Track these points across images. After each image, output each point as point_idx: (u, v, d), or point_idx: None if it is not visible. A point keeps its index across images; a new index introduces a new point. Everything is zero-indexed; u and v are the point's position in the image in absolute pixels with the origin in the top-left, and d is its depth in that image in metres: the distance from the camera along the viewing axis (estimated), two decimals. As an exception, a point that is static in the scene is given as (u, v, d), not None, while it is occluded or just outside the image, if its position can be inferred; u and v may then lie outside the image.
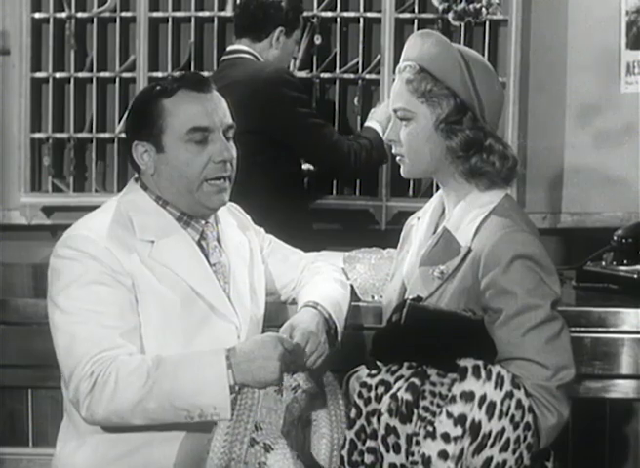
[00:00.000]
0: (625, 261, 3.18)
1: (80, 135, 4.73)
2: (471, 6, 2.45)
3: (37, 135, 4.73)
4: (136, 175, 2.51)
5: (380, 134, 3.93)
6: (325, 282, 2.64)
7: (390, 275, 2.56)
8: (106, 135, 4.72)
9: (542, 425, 2.20)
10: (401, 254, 2.52)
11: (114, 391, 2.27)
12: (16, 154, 4.73)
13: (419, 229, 2.45)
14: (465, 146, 2.31)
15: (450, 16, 2.44)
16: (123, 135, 4.61)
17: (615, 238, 3.23)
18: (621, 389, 2.84)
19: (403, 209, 4.51)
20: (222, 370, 2.27)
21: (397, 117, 2.36)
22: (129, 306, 2.35)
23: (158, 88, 2.43)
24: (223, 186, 2.44)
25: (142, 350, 2.36)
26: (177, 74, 2.48)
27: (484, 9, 2.48)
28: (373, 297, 2.86)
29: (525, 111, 4.65)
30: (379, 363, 2.25)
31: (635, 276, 3.10)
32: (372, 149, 3.92)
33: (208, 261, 2.46)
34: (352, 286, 2.78)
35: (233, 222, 2.60)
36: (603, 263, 3.21)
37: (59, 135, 4.73)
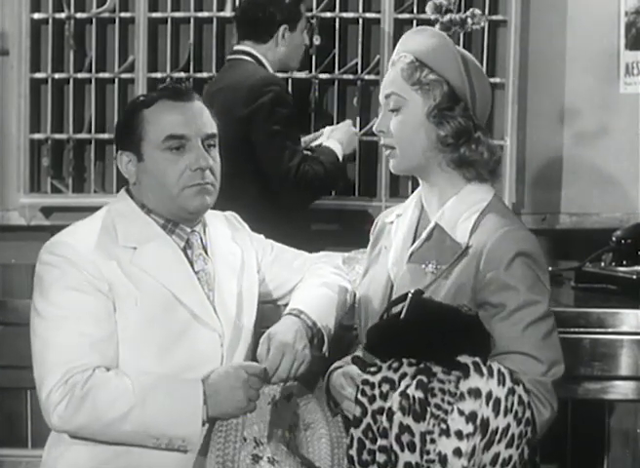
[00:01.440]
0: (624, 262, 3.19)
1: (79, 135, 4.73)
2: (457, 16, 2.49)
3: (36, 135, 4.73)
4: (126, 187, 2.54)
5: (339, 155, 3.92)
6: (316, 287, 2.61)
7: (363, 270, 2.56)
8: (105, 135, 4.72)
9: (537, 420, 2.22)
10: (375, 251, 2.52)
11: (93, 409, 2.29)
12: (15, 155, 4.73)
13: (399, 226, 2.46)
14: (456, 134, 2.34)
15: (437, 27, 2.48)
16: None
17: (613, 239, 3.23)
18: (620, 390, 2.84)
19: (402, 209, 4.50)
20: (198, 406, 2.31)
21: (388, 106, 2.37)
22: (106, 314, 2.36)
23: (141, 99, 2.48)
24: (204, 189, 2.44)
25: (118, 358, 2.37)
26: (161, 85, 2.51)
27: (469, 19, 2.52)
28: (371, 298, 2.86)
29: (524, 112, 4.65)
30: (376, 359, 2.24)
31: (634, 277, 3.10)
32: (324, 177, 3.85)
33: (192, 269, 2.47)
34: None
35: (227, 233, 2.60)
36: (602, 264, 3.22)
37: (58, 135, 4.73)
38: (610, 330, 2.82)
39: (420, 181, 2.44)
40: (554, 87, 4.67)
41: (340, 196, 4.67)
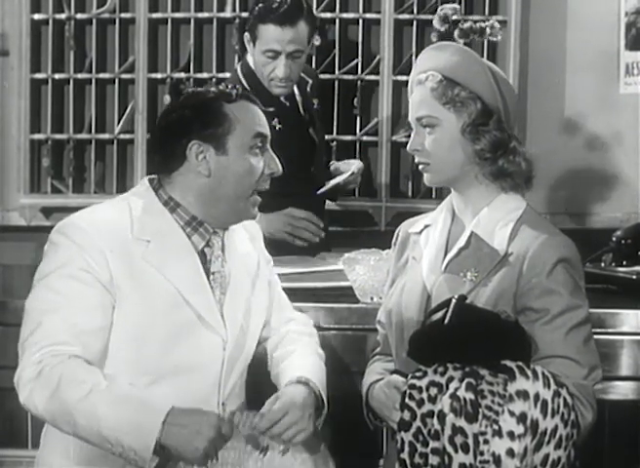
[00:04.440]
0: (624, 262, 3.18)
1: (79, 136, 4.73)
2: (478, 24, 2.50)
3: (36, 136, 4.73)
4: (151, 176, 2.49)
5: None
6: (312, 356, 2.57)
7: (389, 281, 2.56)
8: (106, 136, 4.72)
9: (581, 423, 2.27)
10: (401, 262, 2.52)
11: (54, 391, 2.26)
12: (15, 155, 4.73)
13: (430, 236, 2.46)
14: (493, 148, 2.36)
15: (456, 33, 2.49)
16: (122, 136, 4.66)
17: (614, 239, 3.23)
18: (621, 391, 2.84)
19: (402, 210, 4.50)
20: (157, 422, 2.22)
21: (421, 125, 2.38)
22: (101, 307, 2.35)
23: (217, 92, 2.45)
24: (258, 201, 2.48)
25: (106, 352, 2.36)
26: (230, 85, 2.49)
27: (488, 29, 2.53)
28: (372, 299, 2.86)
29: (524, 112, 4.65)
30: (420, 365, 2.27)
31: (634, 277, 3.10)
32: None
33: (208, 269, 2.45)
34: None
35: (245, 235, 2.58)
36: (602, 264, 3.22)
37: (58, 136, 4.73)
38: (610, 330, 2.82)
39: (453, 191, 2.45)
40: (554, 87, 4.66)
41: (341, 197, 4.66)
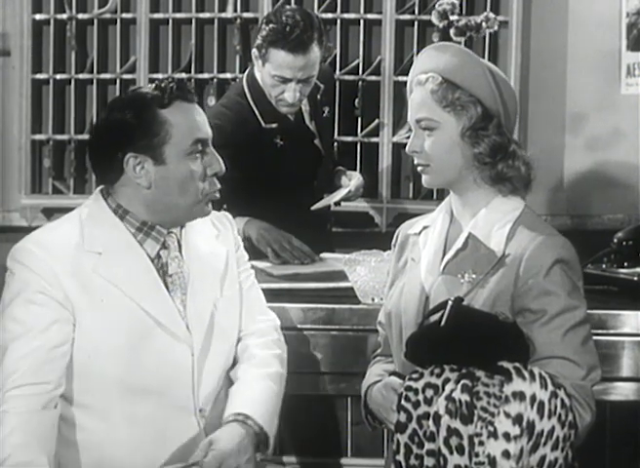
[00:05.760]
0: (625, 264, 3.18)
1: (80, 136, 4.73)
2: (472, 21, 2.49)
3: (38, 136, 4.73)
4: (101, 187, 2.44)
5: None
6: (259, 381, 2.46)
7: (389, 282, 2.56)
8: (107, 136, 4.72)
9: (579, 424, 2.26)
10: (400, 263, 2.52)
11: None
12: (16, 156, 4.73)
13: (429, 237, 2.46)
14: (492, 152, 2.36)
15: (451, 32, 2.47)
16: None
17: (615, 240, 3.23)
18: (622, 392, 2.84)
19: (403, 211, 4.51)
20: None
21: (420, 127, 2.38)
22: (57, 323, 2.30)
23: (150, 97, 2.35)
24: (214, 197, 2.41)
25: (72, 368, 2.32)
26: (162, 83, 2.37)
27: (484, 23, 2.52)
28: (373, 300, 2.87)
29: (525, 113, 4.65)
30: (418, 367, 2.27)
31: (635, 278, 3.10)
32: None
33: (165, 272, 2.40)
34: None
35: (211, 232, 2.52)
36: (603, 266, 3.22)
37: (59, 136, 4.73)
38: (611, 331, 2.82)
39: (452, 193, 2.45)
40: (555, 88, 4.66)
41: (342, 197, 4.66)
